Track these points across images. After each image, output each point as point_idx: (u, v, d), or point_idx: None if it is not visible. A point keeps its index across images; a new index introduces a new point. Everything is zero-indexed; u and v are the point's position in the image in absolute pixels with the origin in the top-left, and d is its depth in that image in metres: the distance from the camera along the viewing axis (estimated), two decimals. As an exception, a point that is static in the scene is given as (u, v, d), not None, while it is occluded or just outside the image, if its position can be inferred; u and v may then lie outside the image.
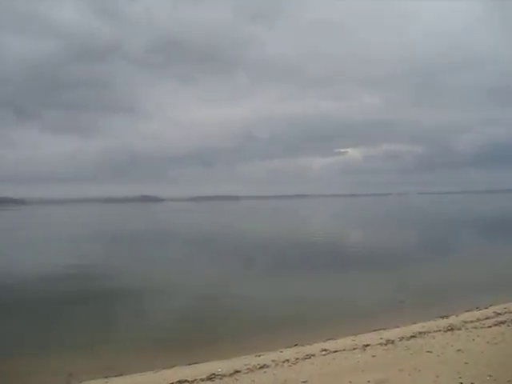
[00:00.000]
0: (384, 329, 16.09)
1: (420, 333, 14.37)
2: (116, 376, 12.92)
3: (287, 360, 12.67)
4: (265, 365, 12.47)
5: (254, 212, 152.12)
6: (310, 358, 12.87)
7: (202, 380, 11.68)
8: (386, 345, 13.24)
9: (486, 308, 18.21)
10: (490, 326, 14.39)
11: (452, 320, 16.50)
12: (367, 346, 13.35)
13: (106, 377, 12.86)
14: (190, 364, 13.63)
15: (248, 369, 12.29)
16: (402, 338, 13.85)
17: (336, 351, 13.27)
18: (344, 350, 13.33)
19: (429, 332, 14.44)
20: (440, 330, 14.53)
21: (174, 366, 13.49)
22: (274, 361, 12.75)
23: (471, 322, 15.57)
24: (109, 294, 24.60)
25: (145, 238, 61.48)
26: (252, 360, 13.24)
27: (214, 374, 12.08)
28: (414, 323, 16.54)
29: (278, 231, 67.98)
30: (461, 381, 9.15)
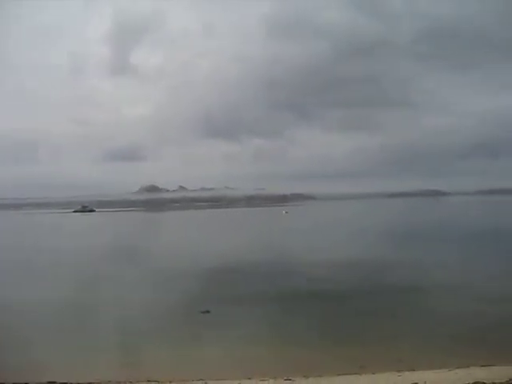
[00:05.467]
0: None
1: None
2: (409, 371, 13.21)
3: None
4: None
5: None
6: None
7: (502, 384, 11.10)
8: None
9: None
10: None
11: None
12: None
13: (399, 370, 13.28)
14: (485, 366, 13.05)
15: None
16: None
17: None
18: None
19: None
20: None
21: (468, 366, 13.11)
22: None
23: None
24: (398, 288, 25.07)
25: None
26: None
27: (513, 379, 11.36)
28: None
29: None
30: None
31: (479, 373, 12.28)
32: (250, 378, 13.42)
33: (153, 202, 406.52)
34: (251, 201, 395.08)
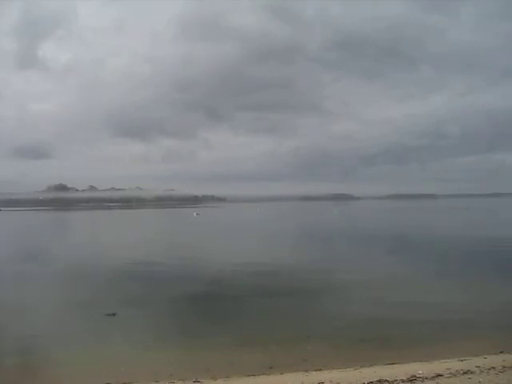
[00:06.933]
0: None
1: None
2: (315, 370, 13.37)
3: (493, 367, 11.81)
4: (469, 371, 11.74)
5: (460, 211, 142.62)
6: (518, 367, 11.82)
7: (403, 381, 11.44)
8: None
9: None
10: None
11: None
12: None
13: (306, 370, 13.40)
14: (388, 364, 13.52)
15: (450, 373, 11.70)
16: None
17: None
18: None
19: None
20: None
21: (372, 365, 13.52)
22: (478, 367, 11.97)
23: None
24: (302, 290, 25.28)
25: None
26: (454, 364, 12.60)
27: (414, 376, 11.75)
28: None
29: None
30: None
31: (382, 371, 12.70)
32: (157, 381, 12.98)
33: (62, 201, 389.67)
34: (162, 201, 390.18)
